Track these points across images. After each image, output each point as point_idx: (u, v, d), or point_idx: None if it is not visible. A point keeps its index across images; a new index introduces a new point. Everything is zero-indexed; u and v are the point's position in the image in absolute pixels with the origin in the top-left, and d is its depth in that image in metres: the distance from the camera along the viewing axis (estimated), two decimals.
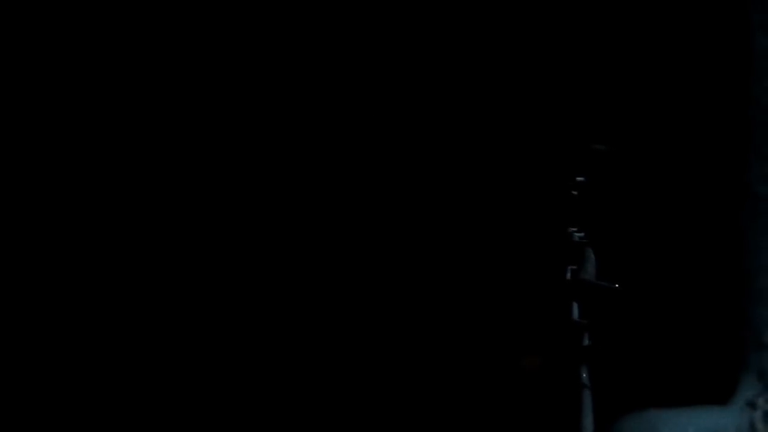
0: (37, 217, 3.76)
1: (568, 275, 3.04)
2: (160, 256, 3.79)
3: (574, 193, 3.10)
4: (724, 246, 2.23)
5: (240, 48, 3.78)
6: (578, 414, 2.86)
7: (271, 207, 3.80)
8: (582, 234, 3.05)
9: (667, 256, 3.01)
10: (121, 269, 3.79)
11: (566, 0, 3.33)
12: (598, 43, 3.23)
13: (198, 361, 3.77)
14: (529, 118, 3.53)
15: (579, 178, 3.10)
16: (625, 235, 3.10)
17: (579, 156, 3.12)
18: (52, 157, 3.78)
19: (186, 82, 3.79)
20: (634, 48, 3.08)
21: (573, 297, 3.02)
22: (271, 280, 3.80)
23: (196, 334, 3.77)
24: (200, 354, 3.77)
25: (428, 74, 3.70)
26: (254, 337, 3.79)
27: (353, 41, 3.75)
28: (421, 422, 3.63)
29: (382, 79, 3.74)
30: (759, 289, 2.11)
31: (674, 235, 2.97)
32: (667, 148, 2.99)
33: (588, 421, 2.87)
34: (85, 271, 3.77)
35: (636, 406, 2.26)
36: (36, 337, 3.73)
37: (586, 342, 2.96)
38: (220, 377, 3.76)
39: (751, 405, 2.08)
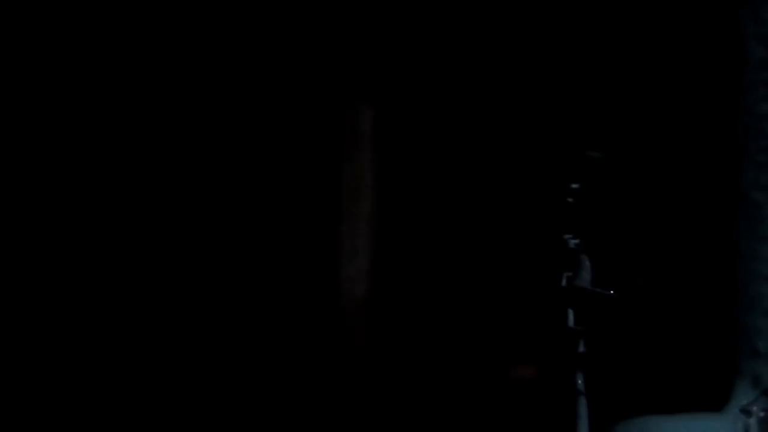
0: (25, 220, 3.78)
1: (564, 282, 3.05)
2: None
3: (569, 200, 3.11)
4: (719, 253, 2.24)
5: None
6: (574, 420, 2.86)
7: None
8: (577, 241, 3.06)
9: (661, 264, 3.02)
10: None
11: (562, 8, 3.34)
12: (594, 52, 3.24)
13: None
14: (524, 125, 3.54)
15: (574, 185, 3.11)
16: (620, 242, 3.11)
17: (574, 163, 3.12)
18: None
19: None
20: (629, 56, 3.09)
21: (568, 304, 3.03)
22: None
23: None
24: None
25: (426, 80, 3.71)
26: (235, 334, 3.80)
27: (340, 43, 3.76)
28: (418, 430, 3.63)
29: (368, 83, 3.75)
30: (753, 296, 2.12)
31: (669, 242, 2.98)
32: (662, 156, 3.00)
33: (583, 428, 2.88)
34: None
35: (631, 413, 2.26)
36: (35, 337, 3.74)
37: (582, 349, 2.97)
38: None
39: (746, 412, 2.09)
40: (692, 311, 2.78)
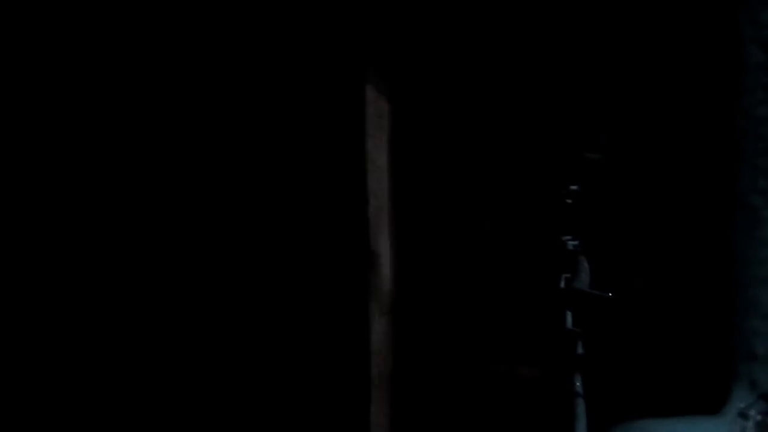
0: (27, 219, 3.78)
1: (562, 284, 3.06)
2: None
3: (568, 201, 3.11)
4: (716, 256, 2.24)
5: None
6: (571, 423, 2.87)
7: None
8: (576, 242, 3.06)
9: (659, 266, 3.02)
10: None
11: (559, 10, 3.34)
12: (591, 53, 3.24)
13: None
14: (523, 126, 3.54)
15: (573, 187, 3.12)
16: (618, 244, 3.11)
17: (572, 165, 3.13)
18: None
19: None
20: (626, 59, 3.09)
21: (567, 305, 3.03)
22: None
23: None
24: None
25: (424, 80, 3.71)
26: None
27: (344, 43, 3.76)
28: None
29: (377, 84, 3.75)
30: (751, 299, 2.12)
31: (667, 245, 2.99)
32: (659, 158, 3.01)
33: (581, 430, 2.88)
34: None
35: (628, 416, 2.26)
36: (35, 337, 3.73)
37: (580, 350, 2.98)
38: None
39: (743, 415, 2.09)
40: (690, 314, 2.78)
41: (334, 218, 3.73)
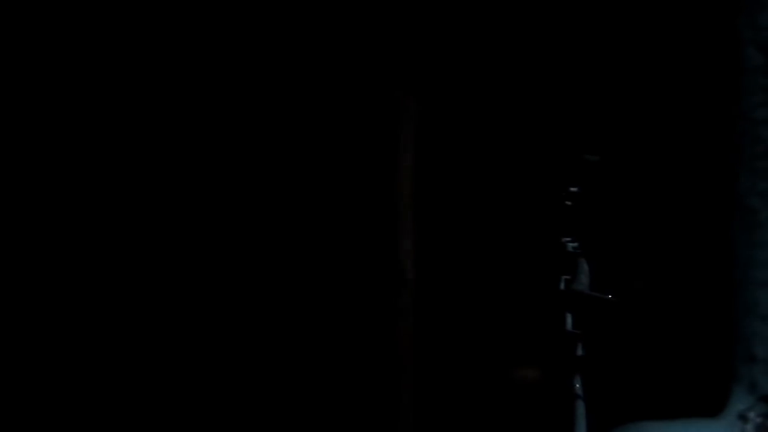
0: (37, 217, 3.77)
1: (562, 286, 3.06)
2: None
3: (568, 203, 3.11)
4: (716, 259, 2.24)
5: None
6: (571, 425, 2.86)
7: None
8: (576, 244, 3.06)
9: (659, 268, 3.02)
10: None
11: (558, 13, 3.35)
12: (590, 55, 3.24)
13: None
14: (522, 128, 3.54)
15: (572, 189, 3.12)
16: (618, 246, 3.11)
17: (572, 166, 3.13)
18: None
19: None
20: (627, 61, 3.10)
21: (566, 308, 3.03)
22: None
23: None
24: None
25: (424, 82, 3.71)
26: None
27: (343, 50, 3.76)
28: None
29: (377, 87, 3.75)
30: (750, 301, 2.11)
31: (666, 247, 2.99)
32: (659, 160, 3.01)
33: None
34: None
35: (628, 418, 2.26)
36: (36, 337, 3.73)
37: (580, 352, 2.98)
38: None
39: (743, 417, 2.08)
40: (689, 316, 2.78)
41: (365, 218, 3.76)
